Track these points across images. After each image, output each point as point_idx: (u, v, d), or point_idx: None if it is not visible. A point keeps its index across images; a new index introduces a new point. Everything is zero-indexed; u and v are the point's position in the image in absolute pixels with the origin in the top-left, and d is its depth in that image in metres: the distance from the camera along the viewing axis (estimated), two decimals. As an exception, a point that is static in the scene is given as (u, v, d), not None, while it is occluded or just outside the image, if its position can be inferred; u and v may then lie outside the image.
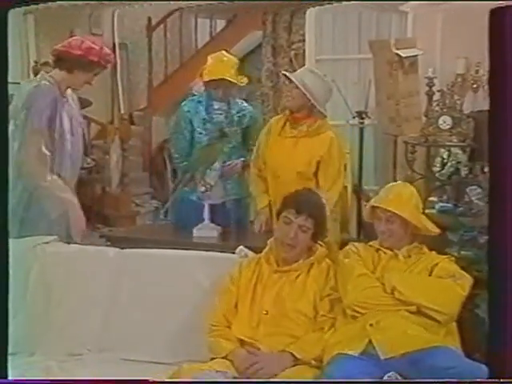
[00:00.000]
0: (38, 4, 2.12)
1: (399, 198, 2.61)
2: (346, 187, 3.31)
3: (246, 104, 3.67)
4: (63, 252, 2.93)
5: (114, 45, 6.70)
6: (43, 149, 3.01)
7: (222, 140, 3.42)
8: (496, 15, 1.77)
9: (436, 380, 2.08)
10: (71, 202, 3.09)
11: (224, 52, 3.58)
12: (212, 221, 3.40)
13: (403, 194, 2.63)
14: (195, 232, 3.34)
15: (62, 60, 3.10)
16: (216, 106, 3.53)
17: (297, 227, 2.52)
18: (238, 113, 3.57)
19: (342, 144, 3.32)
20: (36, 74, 4.66)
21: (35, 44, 5.25)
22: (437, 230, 2.64)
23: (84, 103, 4.23)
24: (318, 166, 3.21)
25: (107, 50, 3.18)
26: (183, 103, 3.62)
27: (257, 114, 3.70)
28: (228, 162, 3.51)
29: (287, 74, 3.34)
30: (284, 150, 3.25)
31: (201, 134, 3.51)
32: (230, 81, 3.43)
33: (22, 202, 3.08)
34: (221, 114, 3.53)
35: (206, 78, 3.48)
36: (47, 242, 2.97)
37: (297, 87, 3.18)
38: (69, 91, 3.20)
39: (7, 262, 1.93)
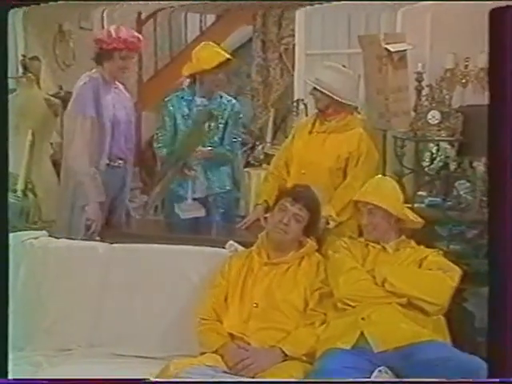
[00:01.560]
0: (38, 4, 2.13)
1: (378, 190, 2.63)
2: None
3: (228, 98, 3.61)
4: (52, 247, 2.92)
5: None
6: (91, 136, 3.22)
7: (209, 121, 3.41)
8: (496, 15, 1.77)
9: (436, 380, 2.07)
10: (92, 200, 3.23)
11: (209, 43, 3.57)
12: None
13: (382, 187, 2.66)
14: (182, 213, 3.35)
15: (95, 54, 3.32)
16: (198, 102, 3.52)
17: (291, 215, 2.54)
18: (218, 107, 3.52)
19: (373, 142, 3.25)
20: (25, 68, 4.65)
21: (23, 38, 5.21)
22: (421, 221, 2.66)
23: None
24: (346, 164, 3.15)
25: (126, 35, 3.26)
26: (167, 99, 3.61)
27: (238, 107, 3.64)
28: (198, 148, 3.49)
29: (307, 80, 3.27)
30: (313, 146, 3.22)
31: (182, 129, 3.50)
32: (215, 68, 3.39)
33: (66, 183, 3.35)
34: (201, 109, 3.51)
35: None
36: (36, 238, 2.96)
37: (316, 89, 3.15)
38: (119, 85, 3.40)
39: (7, 259, 1.93)
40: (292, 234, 2.56)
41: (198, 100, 3.51)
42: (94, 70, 3.34)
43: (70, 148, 3.28)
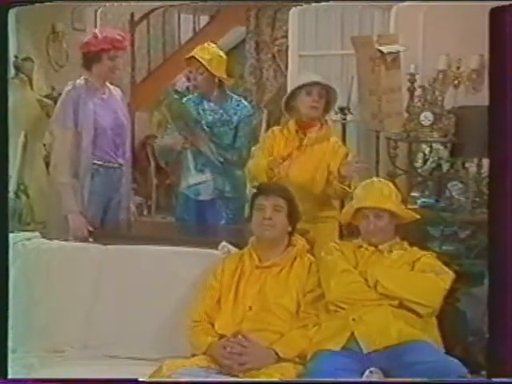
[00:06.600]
0: (41, 3, 2.14)
1: (382, 193, 2.62)
2: None
3: (238, 101, 3.52)
4: (45, 249, 2.91)
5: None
6: (71, 147, 3.22)
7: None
8: (496, 15, 1.77)
9: (431, 380, 2.07)
10: (72, 210, 3.23)
11: (210, 43, 3.57)
12: (203, 218, 3.40)
13: (384, 189, 2.65)
14: (188, 182, 3.42)
15: (83, 59, 3.32)
16: (206, 106, 3.48)
17: (271, 207, 2.54)
18: (227, 112, 3.46)
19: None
20: (17, 69, 4.64)
21: (16, 38, 5.20)
22: (417, 216, 2.67)
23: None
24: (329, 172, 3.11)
25: (112, 35, 3.28)
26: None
27: (249, 112, 3.56)
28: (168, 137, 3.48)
29: (302, 82, 3.15)
30: (294, 158, 3.15)
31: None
32: (200, 61, 3.38)
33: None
34: (210, 114, 3.47)
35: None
36: (29, 239, 2.95)
37: (321, 97, 3.09)
38: (111, 87, 3.40)
39: (7, 261, 1.92)
40: (279, 225, 2.55)
41: (206, 104, 3.48)
42: (81, 77, 3.33)
43: (56, 155, 3.39)
